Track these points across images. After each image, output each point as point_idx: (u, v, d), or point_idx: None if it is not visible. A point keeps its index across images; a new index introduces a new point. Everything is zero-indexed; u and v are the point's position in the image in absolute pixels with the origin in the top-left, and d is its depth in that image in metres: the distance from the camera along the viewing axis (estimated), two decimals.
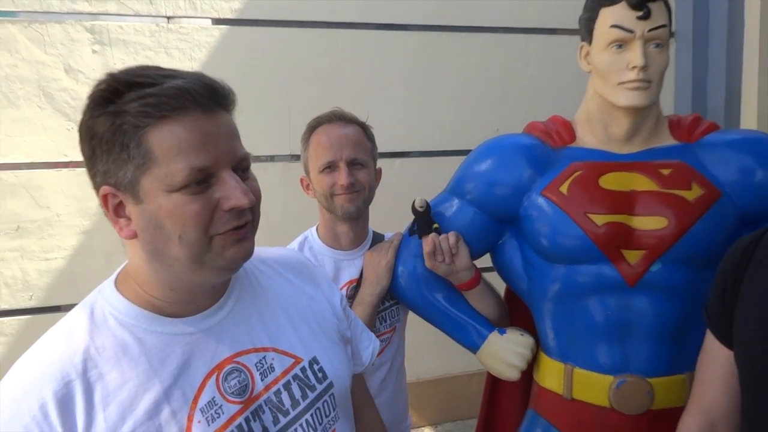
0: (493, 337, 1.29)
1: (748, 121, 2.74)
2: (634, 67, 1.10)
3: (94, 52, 2.52)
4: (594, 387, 1.18)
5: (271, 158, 2.82)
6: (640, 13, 1.09)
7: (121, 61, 2.56)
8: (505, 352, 1.27)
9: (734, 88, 2.88)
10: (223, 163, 0.71)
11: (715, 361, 0.93)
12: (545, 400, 1.28)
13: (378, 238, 1.47)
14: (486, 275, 1.39)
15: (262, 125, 2.73)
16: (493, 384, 1.47)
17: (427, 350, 2.98)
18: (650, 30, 1.10)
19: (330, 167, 1.35)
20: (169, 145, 0.68)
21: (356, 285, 1.38)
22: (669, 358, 1.16)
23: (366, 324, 1.29)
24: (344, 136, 1.36)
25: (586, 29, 1.20)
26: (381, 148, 2.87)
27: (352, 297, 1.37)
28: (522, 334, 1.29)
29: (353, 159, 1.35)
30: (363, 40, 2.91)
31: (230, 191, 0.71)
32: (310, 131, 1.40)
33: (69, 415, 0.66)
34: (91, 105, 0.70)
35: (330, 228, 1.41)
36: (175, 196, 0.69)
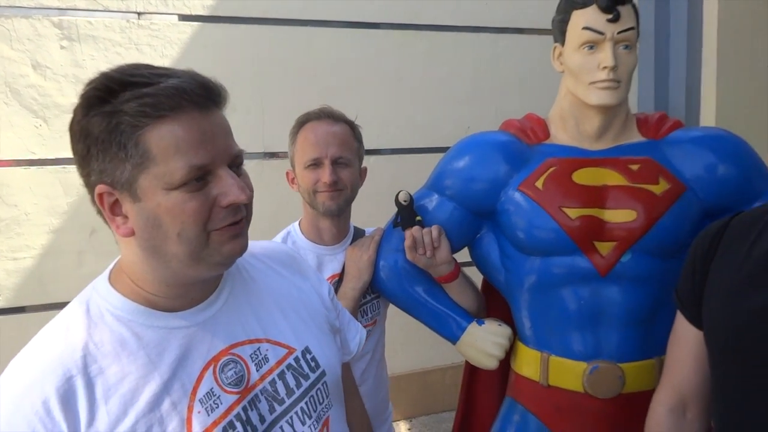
0: (472, 328, 1.34)
1: (707, 118, 2.86)
2: (604, 68, 1.16)
3: (62, 47, 2.48)
4: (569, 373, 1.24)
5: (246, 156, 2.82)
6: (610, 16, 1.15)
7: (90, 57, 2.52)
8: (484, 342, 1.32)
9: (694, 87, 2.98)
10: (219, 161, 0.73)
11: (686, 341, 0.97)
12: (523, 387, 1.33)
13: (359, 234, 1.50)
14: (464, 269, 1.43)
15: (234, 123, 2.66)
16: (471, 374, 1.52)
17: (401, 345, 3.02)
18: (620, 32, 1.16)
19: (315, 164, 1.37)
20: (168, 144, 0.69)
21: (338, 279, 1.41)
22: (639, 344, 1.22)
23: None
24: (331, 134, 1.38)
25: (559, 31, 1.25)
26: None
27: (334, 291, 1.40)
28: (500, 325, 1.34)
29: (338, 157, 1.37)
30: (335, 38, 2.93)
31: (228, 188, 0.72)
32: (299, 126, 1.42)
33: (72, 410, 0.67)
34: (85, 104, 0.70)
35: (313, 223, 1.44)
36: (174, 193, 0.70)
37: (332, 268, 1.43)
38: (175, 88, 0.70)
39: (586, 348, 1.23)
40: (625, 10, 1.16)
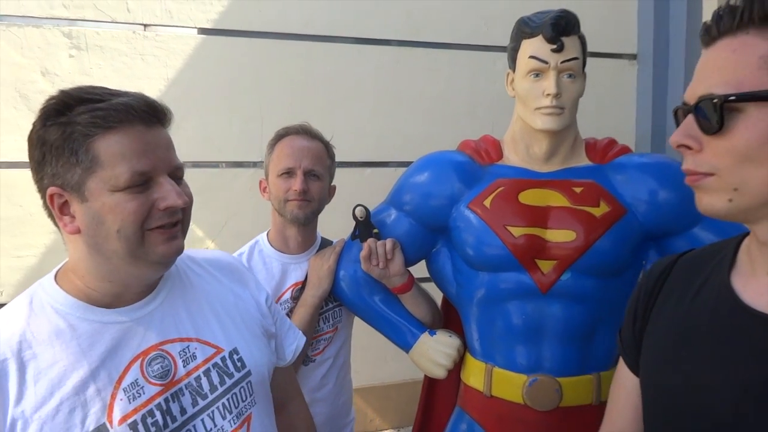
0: (424, 337, 1.39)
1: None
2: (548, 95, 1.22)
3: (70, 56, 2.60)
4: (510, 385, 1.29)
5: (243, 165, 2.91)
6: (554, 46, 1.21)
7: (97, 65, 2.64)
8: (434, 351, 1.37)
9: None
10: (160, 170, 0.82)
11: (624, 388, 0.91)
12: (470, 397, 1.38)
13: (326, 244, 1.57)
14: (424, 284, 1.49)
15: (234, 132, 2.82)
16: (430, 384, 1.57)
17: (391, 356, 3.06)
18: (563, 62, 1.22)
19: (288, 173, 1.45)
20: (114, 151, 0.79)
21: (301, 287, 1.48)
22: (577, 360, 1.27)
23: (307, 323, 1.39)
24: (306, 148, 1.46)
25: (511, 58, 1.31)
26: (352, 157, 2.97)
27: (297, 298, 1.47)
28: (450, 336, 1.40)
29: (310, 170, 1.45)
30: (336, 53, 3.01)
31: (167, 193, 0.82)
32: (277, 139, 1.51)
33: (2, 388, 0.75)
34: (43, 116, 0.80)
35: (280, 231, 1.51)
36: (118, 195, 0.79)
37: (296, 276, 1.49)
38: (124, 105, 0.80)
39: (528, 361, 1.28)
40: (569, 41, 1.22)
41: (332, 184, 1.56)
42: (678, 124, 0.72)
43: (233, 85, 2.83)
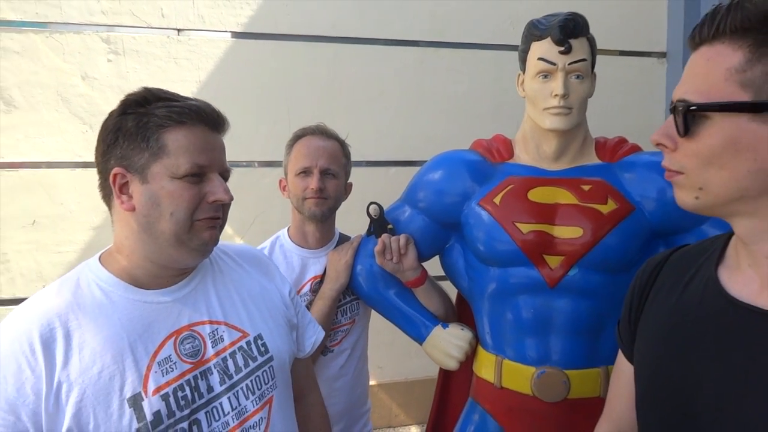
0: (437, 330, 1.44)
1: None
2: (556, 95, 1.25)
3: (108, 60, 2.72)
4: (519, 377, 1.33)
5: (272, 164, 2.99)
6: (562, 48, 1.24)
7: (133, 69, 2.76)
8: (446, 344, 1.42)
9: None
10: (214, 168, 0.94)
11: (623, 376, 0.95)
12: (481, 389, 1.42)
13: (344, 240, 1.63)
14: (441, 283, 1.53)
15: (263, 132, 2.91)
16: (445, 377, 1.62)
17: (415, 351, 3.09)
18: (571, 63, 1.25)
19: (305, 172, 1.51)
20: (181, 143, 0.90)
21: (320, 280, 1.54)
22: (585, 353, 1.30)
23: (326, 315, 1.46)
24: (322, 148, 1.53)
25: (521, 60, 1.35)
26: (377, 156, 3.02)
27: (316, 291, 1.53)
28: (462, 329, 1.44)
29: (326, 168, 1.51)
30: (362, 54, 3.07)
31: (216, 188, 0.93)
32: (295, 140, 1.58)
33: (51, 353, 0.83)
34: (123, 106, 0.92)
35: (299, 228, 1.58)
36: (177, 182, 0.89)
37: (315, 269, 1.56)
38: (197, 107, 0.93)
39: (537, 353, 1.31)
40: (577, 43, 1.25)
41: (348, 181, 1.61)
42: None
43: (262, 87, 2.92)
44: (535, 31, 1.29)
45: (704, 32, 0.70)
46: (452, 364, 1.42)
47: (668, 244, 1.31)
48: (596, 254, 1.25)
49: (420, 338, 1.46)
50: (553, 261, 1.28)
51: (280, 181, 1.62)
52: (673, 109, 0.72)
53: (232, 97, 2.86)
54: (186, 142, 0.90)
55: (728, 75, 0.67)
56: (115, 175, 0.90)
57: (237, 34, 2.91)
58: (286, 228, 1.63)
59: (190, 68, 2.84)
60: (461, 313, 1.57)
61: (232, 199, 0.95)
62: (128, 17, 2.74)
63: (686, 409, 0.75)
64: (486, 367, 1.39)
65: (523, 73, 1.35)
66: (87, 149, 2.70)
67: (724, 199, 0.71)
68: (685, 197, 0.75)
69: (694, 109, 0.69)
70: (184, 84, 2.79)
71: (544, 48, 1.27)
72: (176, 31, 2.83)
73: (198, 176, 0.91)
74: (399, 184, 2.86)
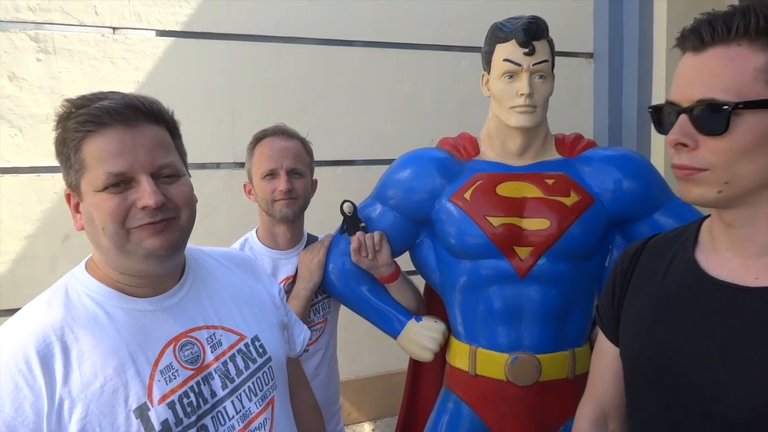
0: (411, 324, 1.48)
1: (656, 133, 3.05)
2: (521, 95, 1.32)
3: (38, 60, 2.57)
4: (493, 363, 1.39)
5: (216, 165, 2.93)
6: (527, 50, 1.31)
7: (65, 69, 2.62)
8: (421, 336, 1.46)
9: (645, 105, 3.17)
10: (140, 169, 0.84)
11: (606, 357, 1.00)
12: (455, 377, 1.48)
13: (312, 240, 1.64)
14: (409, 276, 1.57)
15: (206, 134, 2.84)
16: (415, 368, 1.66)
17: (366, 349, 3.14)
18: (535, 64, 1.33)
19: (271, 174, 1.51)
20: (94, 154, 0.83)
21: (292, 281, 1.54)
22: (553, 338, 1.38)
23: (301, 315, 1.46)
24: (286, 148, 1.52)
25: (486, 61, 1.41)
26: (323, 156, 3.03)
27: (288, 292, 1.53)
28: (435, 321, 1.49)
29: (293, 168, 1.51)
30: (306, 54, 3.05)
31: (142, 193, 0.84)
32: (255, 142, 1.57)
33: (49, 369, 0.80)
34: (55, 123, 0.87)
35: (269, 230, 1.57)
36: (99, 195, 0.84)
37: (286, 271, 1.56)
38: (101, 108, 0.83)
39: (509, 341, 1.38)
40: (540, 45, 1.33)
41: (314, 178, 1.62)
42: (655, 120, 0.81)
43: (204, 88, 2.85)
44: (499, 33, 1.35)
45: (718, 35, 0.73)
46: (427, 356, 1.46)
47: (624, 232, 1.42)
48: (562, 244, 1.33)
49: (394, 333, 1.50)
50: (523, 252, 1.35)
51: (245, 185, 1.60)
52: (693, 110, 0.74)
53: (173, 99, 2.67)
54: (98, 151, 0.82)
55: (756, 75, 0.71)
56: (67, 195, 0.88)
57: (176, 34, 2.83)
58: (254, 230, 1.62)
59: (127, 68, 2.73)
60: (429, 304, 1.61)
61: (177, 201, 0.87)
62: (59, 14, 2.60)
63: (675, 381, 0.81)
64: (460, 356, 1.45)
65: (488, 73, 1.41)
66: (16, 154, 2.55)
67: (746, 191, 0.75)
68: (706, 193, 0.77)
69: (741, 107, 0.71)
70: (121, 85, 2.67)
71: (508, 50, 1.33)
72: (111, 30, 2.72)
73: (119, 185, 0.83)
74: (346, 183, 2.91)
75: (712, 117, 0.73)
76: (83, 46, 2.64)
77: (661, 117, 0.80)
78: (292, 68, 3.01)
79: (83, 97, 0.87)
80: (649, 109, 0.81)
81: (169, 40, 2.80)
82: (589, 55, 3.49)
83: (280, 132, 1.56)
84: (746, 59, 0.72)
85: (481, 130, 1.50)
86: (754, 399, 0.72)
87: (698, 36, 0.75)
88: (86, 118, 0.83)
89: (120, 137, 0.84)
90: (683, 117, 0.76)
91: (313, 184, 1.62)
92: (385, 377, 3.45)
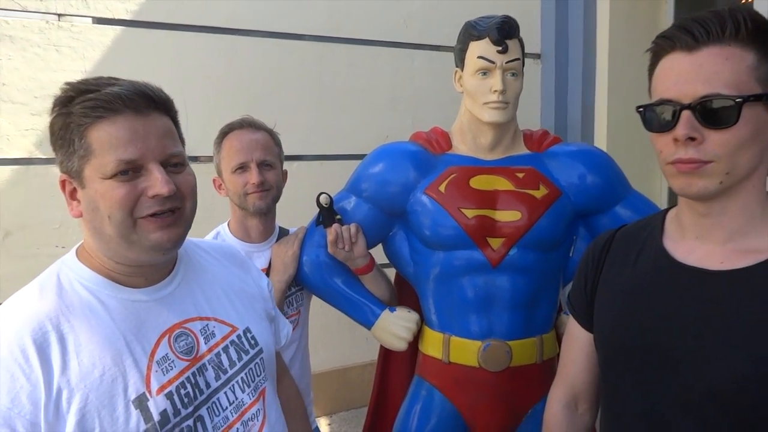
0: (385, 314, 1.51)
1: (599, 132, 3.20)
2: (495, 91, 1.38)
3: None
4: (466, 351, 1.44)
5: None
6: (500, 48, 1.37)
7: (6, 57, 2.48)
8: (395, 326, 1.50)
9: (589, 104, 3.32)
10: (150, 158, 0.84)
11: (577, 342, 1.04)
12: (428, 366, 1.52)
13: (284, 233, 1.63)
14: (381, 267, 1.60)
15: None
16: (385, 357, 1.69)
17: (321, 344, 3.13)
18: (507, 62, 1.38)
19: (242, 168, 1.49)
20: (103, 140, 0.82)
21: (266, 274, 1.54)
22: (523, 325, 1.45)
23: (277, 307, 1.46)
24: (254, 141, 1.51)
25: (459, 58, 1.46)
26: None
27: None
28: (408, 311, 1.53)
29: (263, 160, 1.51)
30: (259, 48, 3.02)
31: (153, 181, 0.84)
32: (222, 136, 1.54)
33: (46, 359, 0.78)
34: (52, 107, 0.85)
35: (241, 223, 1.56)
36: (107, 182, 0.82)
37: (260, 263, 1.55)
38: (113, 94, 0.82)
39: (481, 328, 1.44)
40: (512, 44, 1.38)
41: (284, 168, 1.62)
42: (644, 120, 0.85)
43: (155, 79, 2.73)
44: (473, 31, 1.40)
45: (713, 35, 0.78)
46: (401, 345, 1.50)
47: (587, 224, 1.50)
48: (532, 235, 1.40)
49: (368, 323, 1.52)
50: (495, 242, 1.41)
51: (214, 180, 1.58)
52: (699, 105, 0.78)
53: None
54: (107, 138, 0.81)
55: (749, 72, 0.77)
56: (62, 182, 0.86)
57: (125, 22, 2.73)
58: (226, 223, 1.60)
59: (73, 57, 2.62)
60: (399, 296, 1.65)
61: (183, 190, 0.87)
62: None
63: (651, 362, 0.86)
64: (433, 345, 1.49)
65: (461, 70, 1.46)
66: None
67: (740, 179, 0.81)
68: (709, 184, 0.80)
69: (752, 100, 0.76)
70: (67, 74, 2.56)
71: (482, 47, 1.38)
72: (56, 17, 2.59)
73: (129, 172, 0.82)
74: (303, 178, 2.90)
75: (721, 111, 0.77)
76: (26, 32, 2.52)
77: (652, 115, 0.84)
78: (245, 62, 2.97)
79: (86, 82, 0.85)
80: (639, 109, 0.85)
81: (118, 29, 2.71)
82: (537, 56, 3.61)
83: (248, 124, 1.55)
84: (740, 57, 0.77)
85: (453, 125, 1.54)
86: (732, 370, 0.78)
87: (691, 35, 0.79)
88: (96, 103, 0.81)
89: (131, 125, 0.83)
90: (687, 113, 0.79)
91: (284, 174, 1.61)
92: (340, 372, 3.47)
